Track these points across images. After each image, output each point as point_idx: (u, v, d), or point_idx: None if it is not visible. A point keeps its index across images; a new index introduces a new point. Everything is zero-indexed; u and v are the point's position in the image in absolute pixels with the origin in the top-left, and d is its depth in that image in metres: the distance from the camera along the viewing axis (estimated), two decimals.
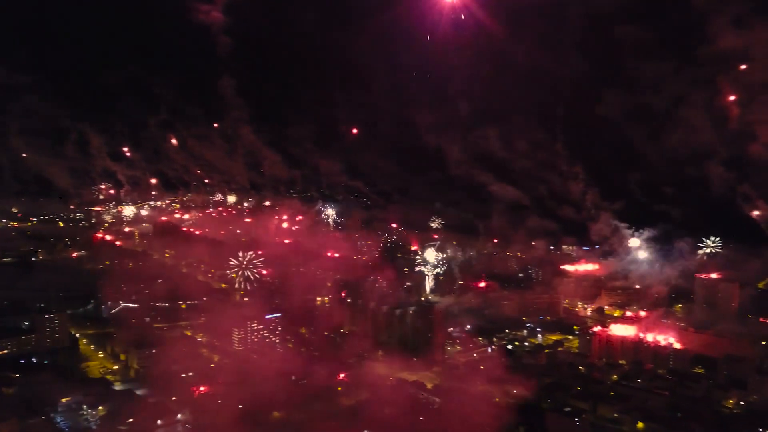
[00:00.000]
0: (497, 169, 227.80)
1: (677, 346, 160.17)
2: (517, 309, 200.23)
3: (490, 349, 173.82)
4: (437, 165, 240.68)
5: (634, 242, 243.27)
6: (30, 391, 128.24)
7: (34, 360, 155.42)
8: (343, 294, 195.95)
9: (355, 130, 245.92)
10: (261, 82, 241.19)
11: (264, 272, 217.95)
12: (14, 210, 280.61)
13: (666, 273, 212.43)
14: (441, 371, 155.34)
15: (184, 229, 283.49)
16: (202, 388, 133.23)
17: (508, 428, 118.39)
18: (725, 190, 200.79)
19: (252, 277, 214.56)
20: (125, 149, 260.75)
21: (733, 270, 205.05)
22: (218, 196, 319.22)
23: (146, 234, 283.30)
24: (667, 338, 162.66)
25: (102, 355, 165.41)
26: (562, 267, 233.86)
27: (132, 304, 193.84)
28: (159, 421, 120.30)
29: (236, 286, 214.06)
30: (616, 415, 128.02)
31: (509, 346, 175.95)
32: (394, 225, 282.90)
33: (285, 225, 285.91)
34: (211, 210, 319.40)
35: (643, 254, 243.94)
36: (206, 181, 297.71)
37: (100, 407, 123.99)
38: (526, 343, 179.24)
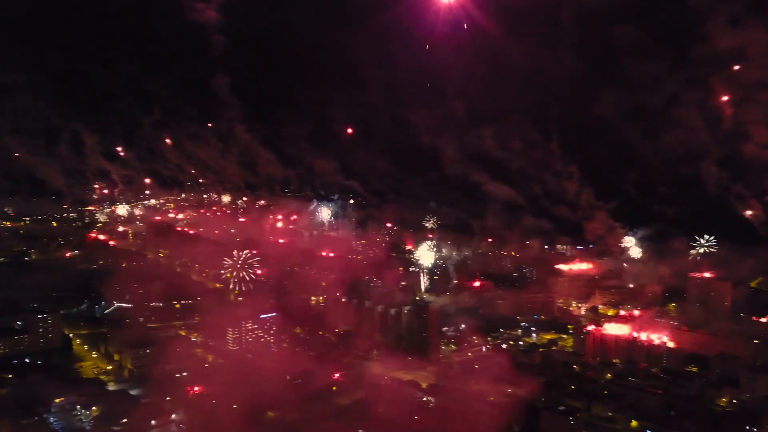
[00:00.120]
0: (492, 168, 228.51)
1: (671, 344, 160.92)
2: (512, 308, 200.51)
3: (484, 349, 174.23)
4: (432, 164, 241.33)
5: (628, 241, 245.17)
6: (23, 391, 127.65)
7: (27, 360, 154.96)
8: (338, 293, 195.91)
9: (350, 130, 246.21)
10: (256, 81, 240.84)
11: (259, 272, 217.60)
12: (7, 210, 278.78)
13: (659, 272, 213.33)
14: (436, 370, 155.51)
15: (179, 228, 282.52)
16: (196, 388, 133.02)
17: (503, 427, 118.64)
18: (719, 190, 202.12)
19: (246, 277, 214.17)
20: (119, 148, 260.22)
21: (726, 269, 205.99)
22: (213, 196, 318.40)
23: (140, 234, 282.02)
24: (660, 337, 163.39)
25: (95, 356, 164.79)
26: (557, 266, 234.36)
27: (126, 304, 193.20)
28: (153, 422, 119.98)
29: (231, 285, 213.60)
30: (610, 414, 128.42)
31: (504, 345, 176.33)
32: (389, 224, 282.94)
33: (280, 225, 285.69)
34: (206, 209, 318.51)
35: (636, 253, 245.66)
36: (201, 180, 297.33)
37: (93, 408, 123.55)
38: (521, 342, 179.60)
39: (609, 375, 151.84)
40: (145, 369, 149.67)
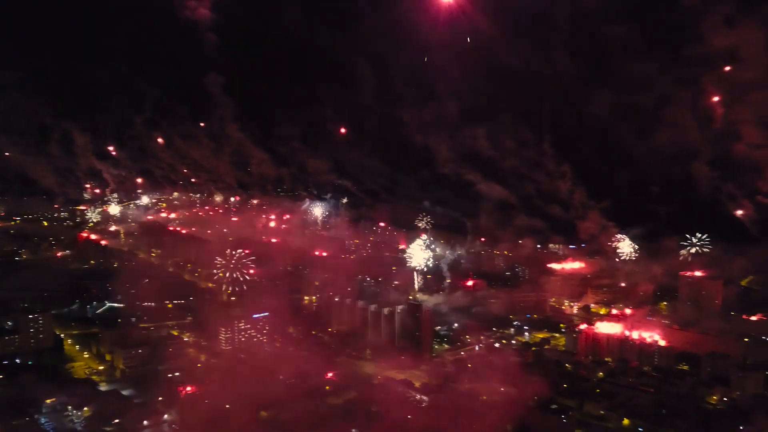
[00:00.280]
0: (485, 168, 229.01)
1: (662, 343, 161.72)
2: (505, 307, 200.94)
3: (477, 348, 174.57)
4: (425, 164, 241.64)
5: (620, 240, 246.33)
6: (14, 392, 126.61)
7: (17, 361, 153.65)
8: (331, 293, 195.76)
9: (343, 129, 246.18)
10: (248, 80, 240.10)
11: (251, 271, 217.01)
12: None
13: (651, 271, 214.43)
14: (429, 370, 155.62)
15: (171, 228, 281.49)
16: (188, 388, 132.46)
17: (496, 426, 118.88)
18: (710, 189, 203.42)
19: (239, 277, 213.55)
20: (110, 148, 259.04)
21: (717, 268, 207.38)
22: (205, 195, 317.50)
23: (132, 233, 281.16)
24: (652, 336, 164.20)
25: (87, 356, 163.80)
26: (549, 265, 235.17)
27: (117, 303, 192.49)
28: (145, 422, 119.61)
29: (223, 285, 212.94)
30: (602, 412, 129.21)
31: (497, 344, 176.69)
32: (382, 224, 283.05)
33: (272, 224, 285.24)
34: (198, 209, 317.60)
35: (628, 252, 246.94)
36: (193, 180, 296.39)
37: (85, 408, 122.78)
38: (514, 341, 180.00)
39: (601, 373, 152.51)
40: (137, 369, 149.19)
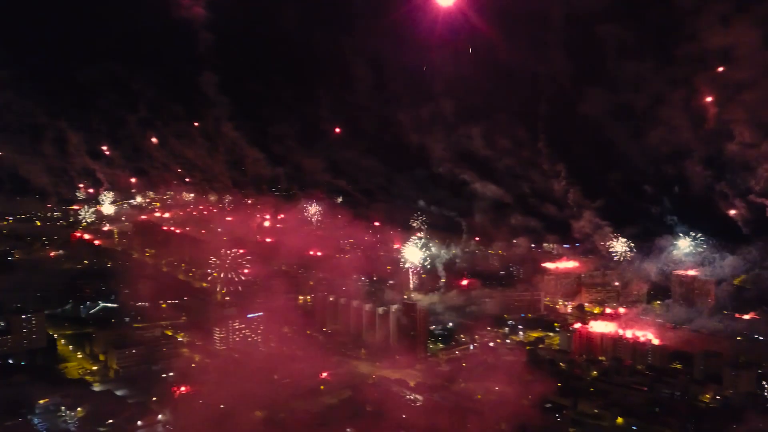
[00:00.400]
0: (480, 167, 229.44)
1: (656, 342, 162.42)
2: (499, 306, 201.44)
3: (472, 347, 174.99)
4: (420, 163, 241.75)
5: (614, 239, 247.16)
6: (7, 393, 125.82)
7: (10, 361, 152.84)
8: (325, 293, 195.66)
9: (338, 129, 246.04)
10: (243, 79, 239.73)
11: (246, 271, 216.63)
12: None
13: (645, 270, 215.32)
14: (424, 369, 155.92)
15: (165, 227, 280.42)
16: (183, 389, 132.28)
17: (491, 425, 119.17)
18: (704, 189, 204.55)
19: (234, 277, 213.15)
20: (104, 147, 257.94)
21: (710, 267, 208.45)
22: (199, 195, 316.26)
23: (126, 233, 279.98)
24: (645, 334, 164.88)
25: (81, 356, 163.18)
26: (544, 265, 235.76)
27: (111, 303, 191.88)
28: (139, 422, 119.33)
29: (218, 285, 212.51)
30: (596, 411, 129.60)
31: (491, 344, 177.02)
32: (377, 223, 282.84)
33: (267, 223, 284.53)
34: (192, 208, 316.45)
35: (622, 251, 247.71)
36: (187, 179, 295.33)
37: (78, 409, 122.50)
38: (508, 341, 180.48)
39: (595, 372, 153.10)
40: (131, 369, 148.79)
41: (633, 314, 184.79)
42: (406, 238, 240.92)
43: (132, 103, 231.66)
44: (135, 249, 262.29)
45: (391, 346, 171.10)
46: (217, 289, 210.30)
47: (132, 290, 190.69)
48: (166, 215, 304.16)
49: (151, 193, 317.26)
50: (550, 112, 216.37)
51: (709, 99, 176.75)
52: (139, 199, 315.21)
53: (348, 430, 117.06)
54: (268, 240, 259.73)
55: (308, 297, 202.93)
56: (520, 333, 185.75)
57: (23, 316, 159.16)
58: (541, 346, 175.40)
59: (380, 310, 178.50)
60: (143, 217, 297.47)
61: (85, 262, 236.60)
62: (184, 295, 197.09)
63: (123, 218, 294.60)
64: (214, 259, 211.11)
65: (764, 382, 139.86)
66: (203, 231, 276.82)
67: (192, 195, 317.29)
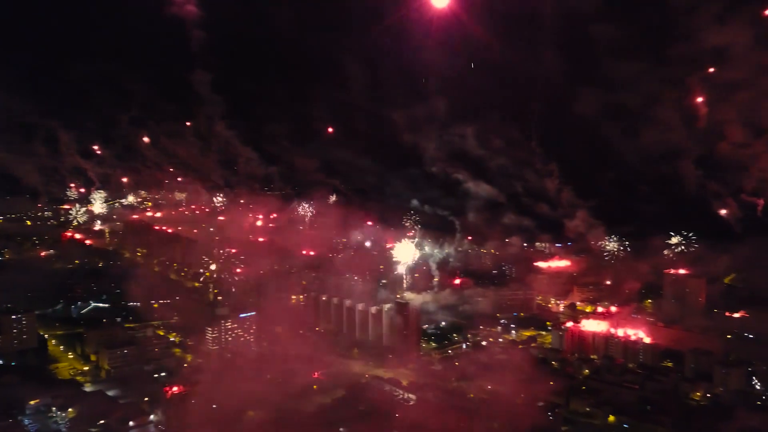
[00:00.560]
0: (473, 166, 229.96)
1: (647, 340, 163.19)
2: (492, 305, 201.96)
3: (464, 346, 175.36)
4: (413, 162, 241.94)
5: (606, 239, 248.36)
6: None
7: (0, 362, 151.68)
8: (318, 292, 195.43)
9: (331, 128, 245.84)
10: (235, 78, 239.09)
11: (238, 271, 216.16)
12: None
13: (636, 269, 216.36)
14: (416, 368, 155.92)
15: (157, 227, 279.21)
16: (175, 389, 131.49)
17: (483, 423, 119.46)
18: (695, 188, 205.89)
19: (226, 276, 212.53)
20: (95, 146, 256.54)
21: (701, 266, 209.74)
22: (191, 194, 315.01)
23: (117, 232, 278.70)
24: (637, 333, 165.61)
25: (72, 356, 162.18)
26: (536, 264, 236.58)
27: (102, 303, 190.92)
28: (131, 423, 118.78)
29: (210, 285, 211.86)
30: (588, 409, 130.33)
31: (484, 343, 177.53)
32: (370, 222, 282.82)
33: (259, 223, 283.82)
34: (184, 208, 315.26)
35: (614, 250, 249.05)
36: (179, 178, 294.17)
37: (70, 409, 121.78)
38: (500, 339, 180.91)
39: (587, 371, 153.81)
40: (122, 369, 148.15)
41: (625, 313, 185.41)
42: (400, 237, 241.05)
43: (124, 102, 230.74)
44: (126, 249, 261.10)
45: (383, 346, 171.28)
46: (210, 289, 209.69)
47: (123, 290, 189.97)
48: (158, 215, 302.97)
49: (143, 192, 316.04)
50: (543, 111, 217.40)
51: (702, 98, 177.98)
52: (130, 198, 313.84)
53: (341, 429, 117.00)
54: (260, 239, 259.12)
55: (301, 296, 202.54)
56: (513, 332, 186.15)
57: (14, 317, 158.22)
58: (533, 344, 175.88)
59: (373, 309, 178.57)
60: (135, 216, 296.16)
61: (76, 261, 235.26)
62: (176, 294, 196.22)
63: (114, 218, 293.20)
64: (206, 259, 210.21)
65: (754, 380, 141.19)
66: (195, 230, 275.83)
67: (184, 194, 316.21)
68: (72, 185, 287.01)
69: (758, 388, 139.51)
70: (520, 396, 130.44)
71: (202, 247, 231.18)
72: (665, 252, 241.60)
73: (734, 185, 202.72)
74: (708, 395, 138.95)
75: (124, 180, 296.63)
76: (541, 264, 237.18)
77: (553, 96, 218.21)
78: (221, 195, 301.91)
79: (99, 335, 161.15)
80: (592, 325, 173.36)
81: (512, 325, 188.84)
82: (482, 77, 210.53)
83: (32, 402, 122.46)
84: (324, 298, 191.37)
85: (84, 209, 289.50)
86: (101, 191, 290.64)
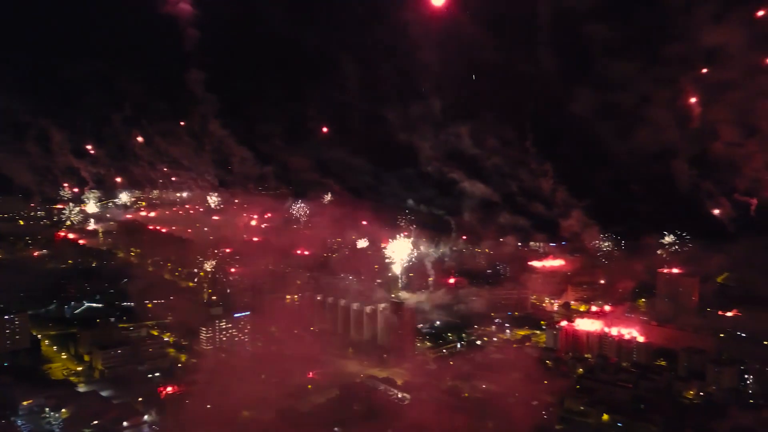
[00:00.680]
0: (468, 166, 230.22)
1: (641, 339, 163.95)
2: (487, 305, 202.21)
3: (459, 345, 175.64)
4: (408, 162, 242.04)
5: (600, 238, 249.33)
6: None
7: None
8: (312, 291, 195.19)
9: (325, 128, 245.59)
10: (229, 77, 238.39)
11: (233, 270, 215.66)
12: None
13: (630, 268, 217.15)
14: (411, 367, 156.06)
15: (151, 227, 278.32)
16: (169, 389, 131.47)
17: (477, 423, 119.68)
18: (689, 188, 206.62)
19: (220, 276, 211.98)
20: (89, 145, 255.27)
21: (694, 265, 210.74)
22: (186, 194, 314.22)
23: (111, 232, 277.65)
24: (630, 332, 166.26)
25: (65, 357, 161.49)
26: (530, 263, 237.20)
27: (96, 303, 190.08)
28: (125, 423, 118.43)
29: (204, 284, 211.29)
30: (582, 408, 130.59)
31: (478, 342, 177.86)
32: (365, 222, 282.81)
33: (254, 223, 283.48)
34: (179, 207, 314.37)
35: (608, 250, 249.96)
36: (173, 178, 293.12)
37: (63, 410, 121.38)
38: (495, 339, 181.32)
39: (581, 370, 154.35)
40: (116, 370, 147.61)
41: (618, 312, 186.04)
42: (394, 236, 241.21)
43: (117, 101, 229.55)
44: (120, 248, 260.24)
45: (378, 345, 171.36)
46: (204, 289, 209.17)
47: (117, 290, 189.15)
48: (152, 214, 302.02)
49: (136, 191, 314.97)
50: (538, 111, 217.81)
51: (695, 98, 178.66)
52: (124, 198, 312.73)
53: (336, 429, 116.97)
54: (255, 239, 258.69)
55: (295, 296, 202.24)
56: (507, 331, 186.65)
57: (6, 317, 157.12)
58: (527, 344, 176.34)
59: (368, 309, 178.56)
60: (129, 216, 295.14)
61: (70, 261, 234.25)
62: (170, 294, 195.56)
63: (108, 217, 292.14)
64: (200, 259, 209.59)
65: (746, 378, 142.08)
66: (189, 230, 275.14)
67: (178, 194, 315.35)
68: (65, 185, 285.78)
69: (751, 386, 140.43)
70: (514, 395, 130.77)
71: (197, 247, 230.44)
72: (659, 251, 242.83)
73: (727, 185, 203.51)
74: (701, 394, 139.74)
75: (118, 179, 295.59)
76: (536, 263, 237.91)
77: (548, 96, 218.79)
78: (216, 194, 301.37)
79: (92, 335, 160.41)
80: (586, 324, 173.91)
81: (507, 325, 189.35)
82: (477, 77, 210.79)
83: (25, 402, 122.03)
84: (319, 298, 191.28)
85: (77, 209, 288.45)
86: (95, 191, 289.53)
